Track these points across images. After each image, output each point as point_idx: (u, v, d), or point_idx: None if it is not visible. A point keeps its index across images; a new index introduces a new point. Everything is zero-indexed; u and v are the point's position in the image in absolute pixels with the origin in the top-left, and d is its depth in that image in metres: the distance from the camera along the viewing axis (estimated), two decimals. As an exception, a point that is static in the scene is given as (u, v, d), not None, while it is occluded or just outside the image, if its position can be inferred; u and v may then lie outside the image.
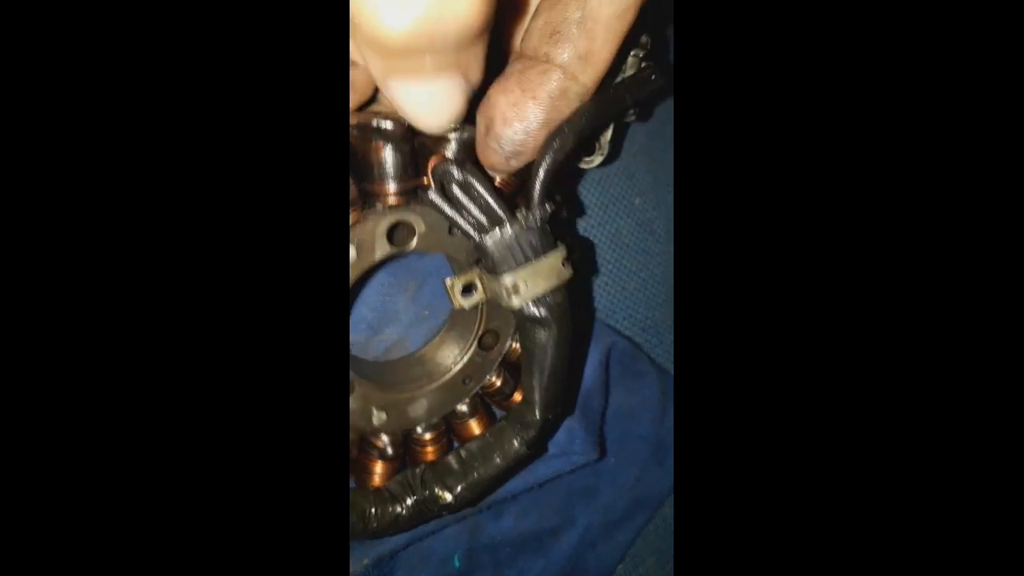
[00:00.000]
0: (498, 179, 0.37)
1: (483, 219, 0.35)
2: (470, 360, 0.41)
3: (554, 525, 0.53)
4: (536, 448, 0.40)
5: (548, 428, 0.40)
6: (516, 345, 0.42)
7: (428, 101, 0.30)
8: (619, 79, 0.38)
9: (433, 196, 0.34)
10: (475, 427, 0.42)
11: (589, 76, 0.33)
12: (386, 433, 0.39)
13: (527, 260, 0.35)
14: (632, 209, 0.61)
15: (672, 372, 0.62)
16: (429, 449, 0.40)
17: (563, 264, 0.37)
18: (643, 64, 0.38)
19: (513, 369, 0.44)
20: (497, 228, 0.35)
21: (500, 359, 0.42)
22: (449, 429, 0.42)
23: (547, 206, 0.35)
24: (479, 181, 0.34)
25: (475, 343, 0.41)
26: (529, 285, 0.36)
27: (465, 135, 0.35)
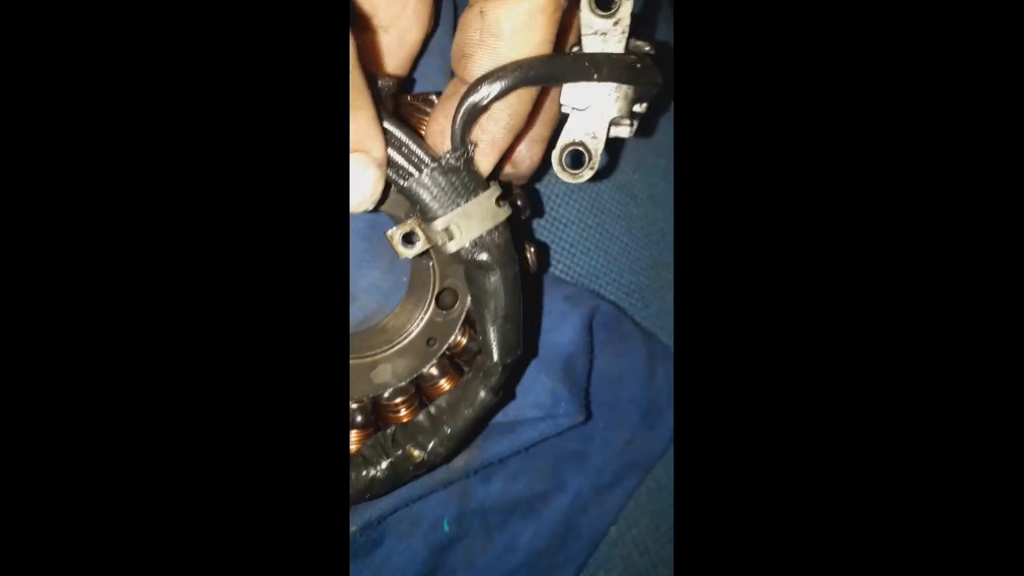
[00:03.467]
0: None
1: (406, 164, 0.35)
2: (430, 321, 0.41)
3: (544, 489, 0.53)
4: (502, 394, 0.40)
5: (510, 372, 0.40)
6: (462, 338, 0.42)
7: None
8: (587, 50, 0.36)
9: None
10: (446, 388, 0.42)
11: None
12: (353, 401, 0.39)
13: (457, 204, 0.35)
14: (613, 173, 0.61)
15: (658, 336, 0.62)
16: (402, 414, 0.40)
17: (497, 203, 0.37)
18: (640, 58, 0.38)
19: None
20: (422, 172, 0.35)
21: (462, 317, 0.42)
22: (421, 393, 0.42)
23: (468, 145, 0.36)
24: (397, 127, 0.35)
25: (432, 303, 0.41)
26: (463, 228, 0.36)
27: (388, 85, 0.36)
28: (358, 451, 0.39)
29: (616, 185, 0.61)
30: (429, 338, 0.41)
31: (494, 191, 0.37)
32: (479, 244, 0.36)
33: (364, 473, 0.38)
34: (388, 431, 0.40)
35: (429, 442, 0.39)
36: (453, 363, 0.43)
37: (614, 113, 0.38)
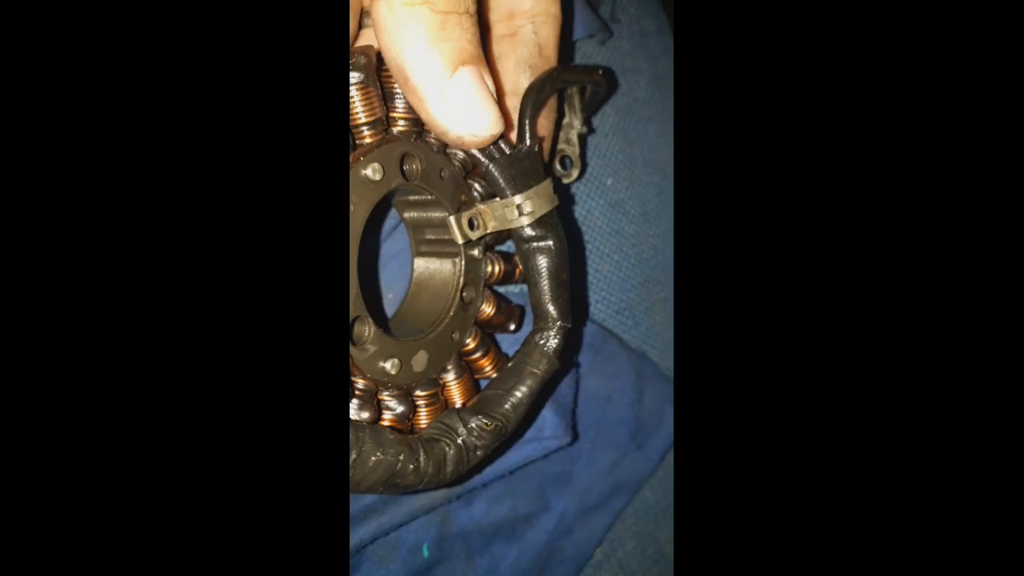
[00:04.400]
0: None
1: (491, 146, 0.40)
2: (455, 314, 0.43)
3: (528, 512, 0.53)
4: (563, 359, 0.43)
5: (568, 338, 0.43)
6: (486, 308, 0.45)
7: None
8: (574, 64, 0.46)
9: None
10: (487, 363, 0.44)
11: None
12: (396, 386, 0.39)
13: (528, 186, 0.41)
14: (604, 190, 0.60)
15: (648, 355, 0.61)
16: (424, 412, 0.40)
17: (553, 190, 0.43)
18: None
19: (485, 333, 0.45)
20: (504, 153, 0.40)
21: (474, 319, 0.44)
22: (468, 368, 0.44)
23: (537, 137, 0.42)
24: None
25: (458, 297, 0.43)
26: (535, 205, 0.41)
27: None
28: (423, 433, 0.38)
29: (608, 203, 0.60)
30: (453, 331, 0.43)
31: (551, 180, 0.42)
32: (542, 222, 0.41)
33: (438, 449, 0.37)
34: (453, 411, 0.40)
35: (500, 408, 0.40)
36: (489, 336, 0.45)
37: (576, 124, 0.51)
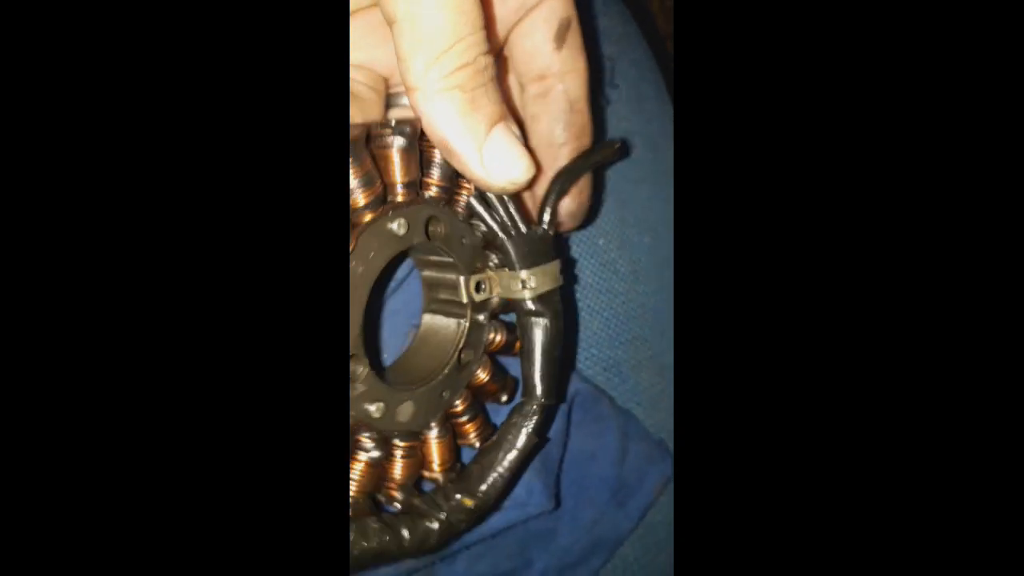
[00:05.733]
0: None
1: (509, 223, 0.43)
2: (450, 373, 0.44)
3: (509, 569, 0.53)
4: (541, 436, 0.45)
5: (550, 415, 0.46)
6: (481, 373, 0.46)
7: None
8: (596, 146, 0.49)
9: (473, 199, 0.42)
10: (471, 429, 0.45)
11: None
12: (376, 430, 0.40)
13: (537, 263, 0.44)
14: (596, 249, 0.61)
15: (633, 412, 0.62)
16: (400, 463, 0.42)
17: (560, 272, 0.46)
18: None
19: (476, 400, 0.47)
20: (520, 231, 0.43)
21: (467, 382, 0.46)
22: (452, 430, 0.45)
23: (554, 222, 0.46)
24: (514, 197, 0.43)
25: (456, 357, 0.44)
26: (539, 282, 0.44)
27: None
28: (413, 504, 0.41)
29: (600, 262, 0.61)
30: (444, 390, 0.44)
31: (559, 262, 0.46)
32: (544, 299, 0.44)
33: (422, 526, 0.39)
34: (439, 486, 0.42)
35: (479, 488, 0.42)
36: (479, 404, 0.46)
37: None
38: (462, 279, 0.44)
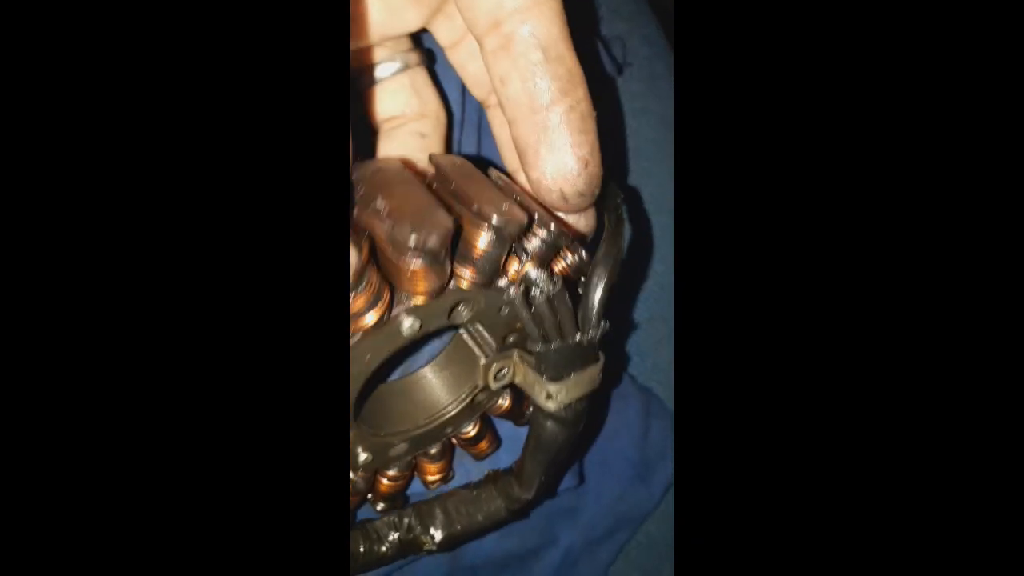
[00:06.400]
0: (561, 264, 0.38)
1: (552, 331, 0.36)
2: (459, 412, 0.41)
3: (536, 545, 0.54)
4: (519, 516, 0.43)
5: (535, 505, 0.43)
6: (502, 401, 0.43)
7: None
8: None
9: (516, 299, 0.35)
10: (434, 472, 0.43)
11: None
12: (365, 470, 0.40)
13: (571, 372, 0.37)
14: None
15: (654, 390, 0.62)
16: (386, 483, 0.41)
17: (599, 374, 0.38)
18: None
19: (487, 420, 0.45)
20: (561, 340, 0.36)
21: (480, 406, 0.43)
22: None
23: (602, 324, 0.37)
24: (563, 298, 0.35)
25: (469, 399, 0.41)
26: (568, 392, 0.37)
27: (551, 234, 0.35)
28: (372, 525, 0.41)
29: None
30: (448, 426, 0.42)
31: (601, 362, 0.38)
32: (569, 406, 0.38)
33: (375, 548, 0.40)
34: (405, 517, 0.41)
35: (439, 535, 0.41)
36: (450, 448, 0.44)
37: None
38: (483, 361, 0.38)
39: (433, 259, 0.31)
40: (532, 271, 0.34)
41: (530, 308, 0.35)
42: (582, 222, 0.39)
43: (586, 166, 0.34)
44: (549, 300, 0.34)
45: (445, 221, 0.31)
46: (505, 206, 0.33)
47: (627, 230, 0.38)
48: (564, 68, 0.33)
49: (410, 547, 0.41)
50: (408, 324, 0.33)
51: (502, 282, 0.36)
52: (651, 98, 0.64)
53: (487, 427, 0.45)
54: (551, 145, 0.34)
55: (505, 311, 0.37)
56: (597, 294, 0.36)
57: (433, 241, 0.30)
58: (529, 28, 0.33)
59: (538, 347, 0.36)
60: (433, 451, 0.42)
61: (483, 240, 0.33)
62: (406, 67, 0.40)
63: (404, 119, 0.41)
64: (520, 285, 0.35)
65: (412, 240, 0.30)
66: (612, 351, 0.45)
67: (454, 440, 0.44)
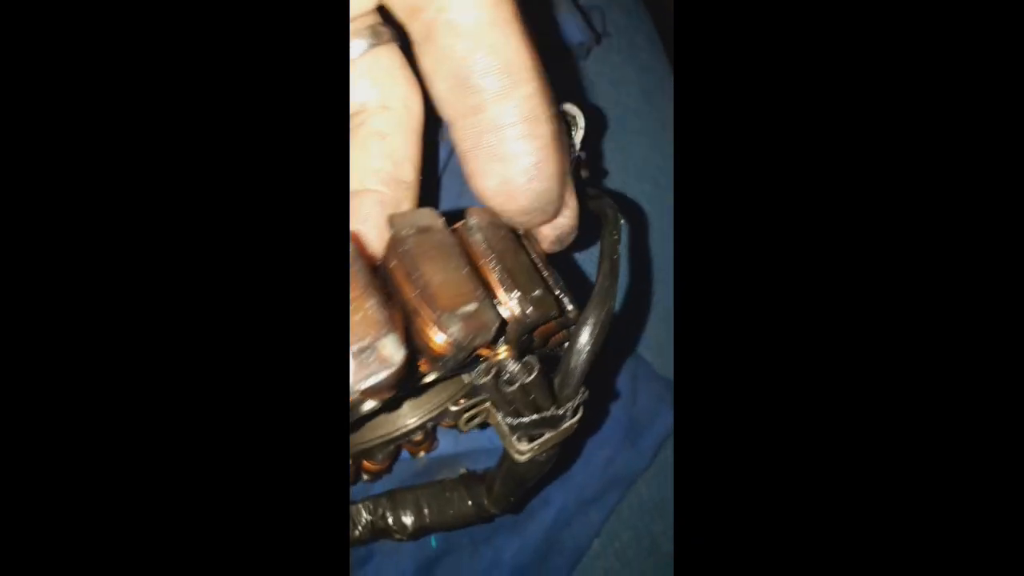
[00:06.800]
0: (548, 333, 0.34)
1: (524, 410, 0.33)
2: (437, 415, 0.41)
3: (529, 505, 0.55)
4: (487, 521, 0.45)
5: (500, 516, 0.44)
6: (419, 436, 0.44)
7: None
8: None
9: (487, 384, 0.31)
10: (420, 439, 0.45)
11: None
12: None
13: (544, 433, 0.34)
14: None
15: (641, 355, 0.64)
16: (373, 467, 0.44)
17: (576, 424, 0.35)
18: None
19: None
20: (536, 414, 0.33)
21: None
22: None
23: (581, 393, 0.34)
24: (538, 387, 0.32)
25: (440, 409, 0.41)
26: (541, 446, 0.35)
27: (528, 313, 0.30)
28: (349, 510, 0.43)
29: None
30: (428, 426, 0.43)
31: (579, 414, 0.35)
32: (542, 453, 0.36)
33: (348, 531, 0.42)
34: (379, 503, 0.43)
35: (410, 525, 0.43)
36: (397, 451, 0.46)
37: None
38: (453, 407, 0.36)
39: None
40: (506, 361, 0.31)
41: (501, 393, 0.31)
42: (561, 222, 0.33)
43: (530, 180, 0.29)
44: (522, 388, 0.31)
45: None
46: (472, 308, 0.28)
47: (623, 277, 0.36)
48: (500, 60, 0.27)
49: (382, 532, 0.43)
50: (369, 406, 0.29)
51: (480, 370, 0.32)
52: (631, 68, 0.65)
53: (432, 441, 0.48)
54: (489, 154, 0.29)
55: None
56: (580, 365, 0.32)
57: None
58: (450, 15, 0.27)
59: (509, 420, 0.33)
60: (416, 438, 0.44)
61: (440, 344, 0.27)
62: (374, 45, 0.32)
63: (366, 114, 0.32)
64: (491, 372, 0.31)
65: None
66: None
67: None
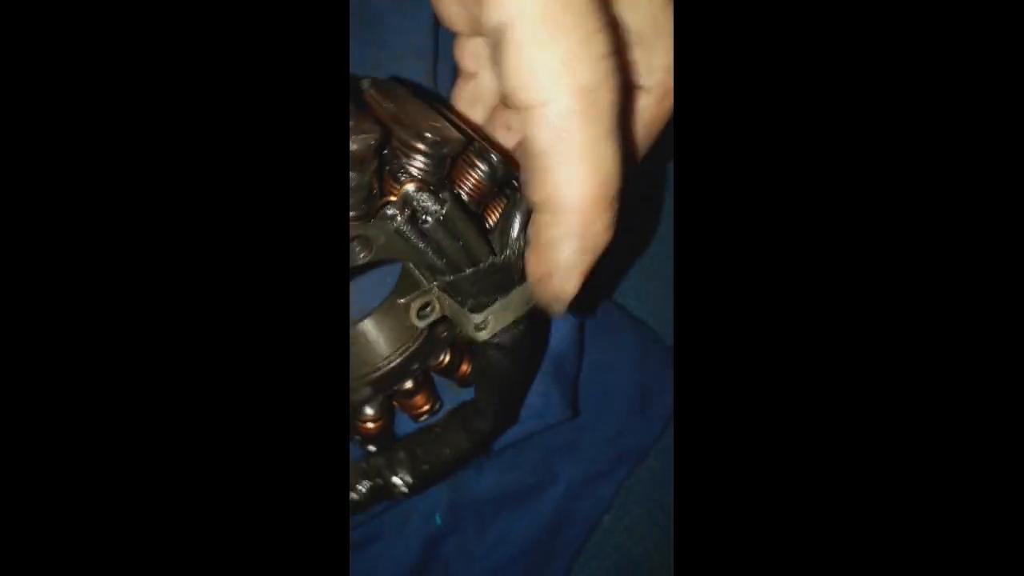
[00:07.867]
0: (470, 182, 0.33)
1: (458, 258, 0.32)
2: (420, 347, 0.40)
3: (536, 481, 0.54)
4: (484, 449, 0.42)
5: (497, 435, 0.42)
6: (409, 384, 0.42)
7: None
8: None
9: (400, 226, 0.30)
10: (420, 402, 0.42)
11: None
12: None
13: (496, 298, 0.34)
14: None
15: (648, 323, 0.62)
16: (370, 426, 0.41)
17: (529, 295, 0.34)
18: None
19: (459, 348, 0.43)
20: (466, 271, 0.32)
21: (447, 339, 0.41)
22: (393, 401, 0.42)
23: (525, 235, 0.32)
24: (461, 218, 0.31)
25: (423, 336, 0.40)
26: (498, 319, 0.34)
27: (444, 150, 0.30)
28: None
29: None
30: (409, 363, 0.41)
31: (526, 286, 0.34)
32: (504, 330, 0.35)
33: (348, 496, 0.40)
34: (372, 460, 0.41)
35: (408, 477, 0.40)
36: (428, 377, 0.42)
37: None
38: (401, 301, 0.35)
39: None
40: (411, 190, 0.30)
41: (424, 235, 0.31)
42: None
43: (557, 298, 0.32)
44: (442, 224, 0.31)
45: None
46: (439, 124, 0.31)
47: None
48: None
49: (383, 493, 0.40)
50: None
51: (390, 210, 0.31)
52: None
53: (430, 386, 0.43)
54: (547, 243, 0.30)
55: (401, 242, 0.32)
56: (518, 217, 0.32)
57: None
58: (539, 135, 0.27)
59: (446, 277, 0.32)
60: (407, 386, 0.41)
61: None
62: None
63: None
64: (402, 209, 0.30)
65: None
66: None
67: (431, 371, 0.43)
